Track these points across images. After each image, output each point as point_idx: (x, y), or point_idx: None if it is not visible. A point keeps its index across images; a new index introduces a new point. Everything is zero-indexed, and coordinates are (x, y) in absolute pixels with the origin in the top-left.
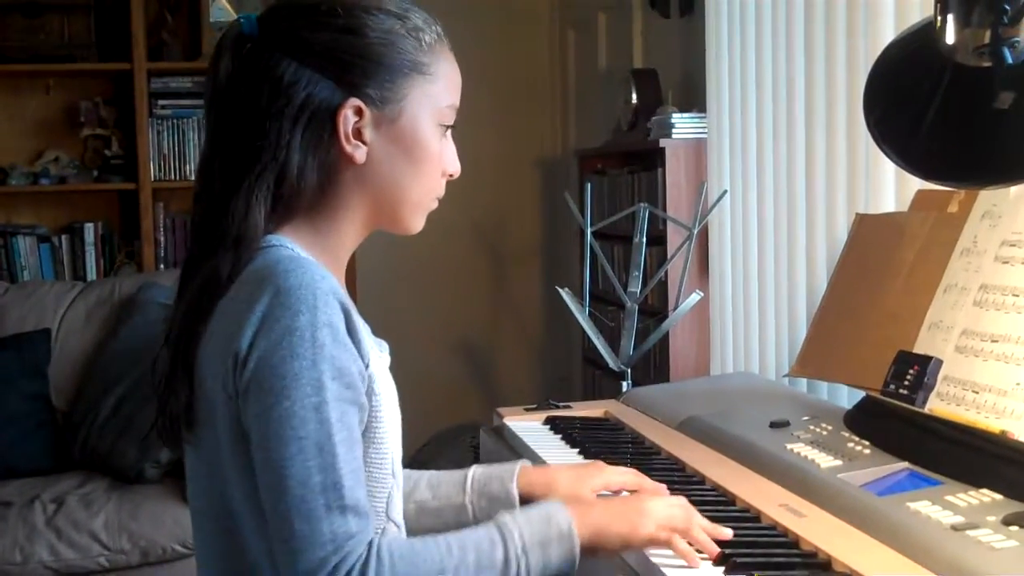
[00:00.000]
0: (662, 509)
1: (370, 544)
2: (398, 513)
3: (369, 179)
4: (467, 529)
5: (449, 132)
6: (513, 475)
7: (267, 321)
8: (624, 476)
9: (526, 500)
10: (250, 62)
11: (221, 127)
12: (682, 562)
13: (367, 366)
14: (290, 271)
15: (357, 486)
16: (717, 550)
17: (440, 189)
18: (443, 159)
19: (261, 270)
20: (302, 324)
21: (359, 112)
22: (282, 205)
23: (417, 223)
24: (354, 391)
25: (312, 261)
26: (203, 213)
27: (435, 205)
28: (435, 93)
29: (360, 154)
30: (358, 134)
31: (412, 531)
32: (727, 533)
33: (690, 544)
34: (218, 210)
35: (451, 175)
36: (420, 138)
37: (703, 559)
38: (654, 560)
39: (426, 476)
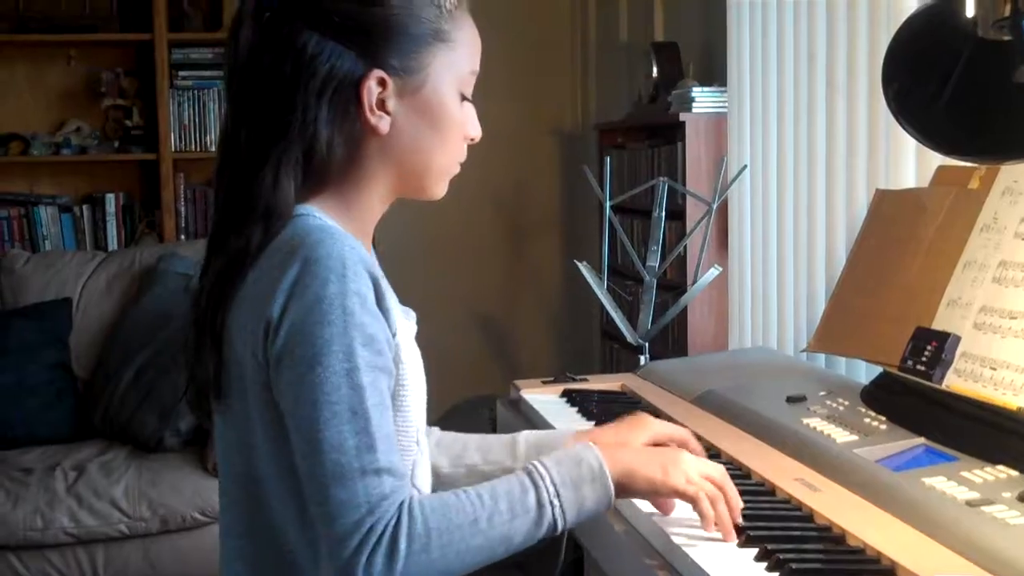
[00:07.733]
0: (696, 466)
1: (401, 503)
2: (422, 480)
3: (394, 149)
4: (498, 479)
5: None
6: (565, 438)
7: (297, 289)
8: (671, 429)
9: None
10: (271, 33)
11: (244, 99)
12: (706, 544)
13: (394, 335)
14: (321, 241)
15: (391, 449)
16: (732, 534)
17: (463, 154)
18: (465, 124)
19: (292, 239)
20: (331, 293)
21: (382, 83)
22: (311, 176)
23: (441, 189)
24: (384, 358)
25: (341, 231)
26: (228, 186)
27: (457, 170)
28: (457, 61)
29: (384, 124)
30: (381, 105)
31: None
32: (739, 520)
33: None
34: (245, 183)
35: (473, 139)
36: (443, 106)
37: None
38: (677, 540)
39: (474, 440)
